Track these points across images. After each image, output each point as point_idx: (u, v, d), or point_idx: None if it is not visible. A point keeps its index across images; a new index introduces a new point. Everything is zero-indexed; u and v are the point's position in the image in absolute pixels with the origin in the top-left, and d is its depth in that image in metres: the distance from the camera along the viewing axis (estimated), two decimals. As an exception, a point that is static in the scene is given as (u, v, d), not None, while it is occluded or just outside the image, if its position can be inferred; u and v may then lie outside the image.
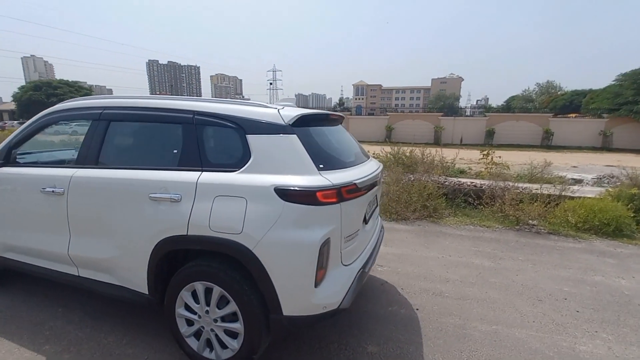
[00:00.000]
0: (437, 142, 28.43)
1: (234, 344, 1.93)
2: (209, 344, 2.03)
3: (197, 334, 2.06)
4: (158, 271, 2.05)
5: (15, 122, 38.32)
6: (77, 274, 2.37)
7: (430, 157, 8.05)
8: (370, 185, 2.21)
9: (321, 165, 1.87)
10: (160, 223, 1.97)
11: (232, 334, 1.95)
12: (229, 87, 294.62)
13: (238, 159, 1.92)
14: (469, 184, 6.43)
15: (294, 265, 1.75)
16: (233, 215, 1.80)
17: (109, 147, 2.29)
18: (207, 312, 1.97)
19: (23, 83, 45.83)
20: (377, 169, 2.47)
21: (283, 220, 1.74)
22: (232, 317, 1.92)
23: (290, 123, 1.93)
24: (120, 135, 2.32)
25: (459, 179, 6.94)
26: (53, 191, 2.29)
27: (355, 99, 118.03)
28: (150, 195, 2.00)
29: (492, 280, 3.32)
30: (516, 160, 11.77)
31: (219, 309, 1.93)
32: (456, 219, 5.33)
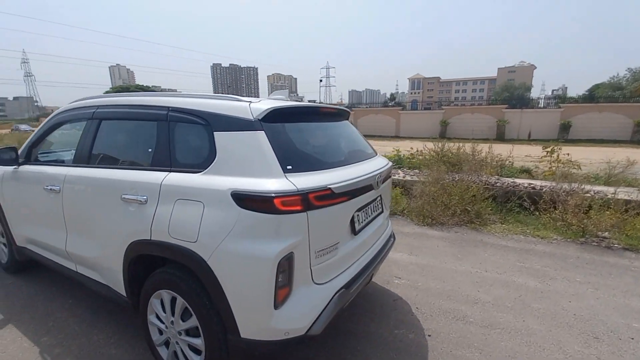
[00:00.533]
0: (500, 138, 25.85)
1: (198, 361, 1.77)
2: (176, 356, 1.89)
3: (167, 344, 1.95)
4: (132, 275, 1.97)
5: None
6: (75, 270, 2.43)
7: (482, 154, 7.21)
8: (361, 189, 1.87)
9: (289, 167, 1.60)
10: (130, 225, 1.88)
11: (196, 350, 1.78)
12: (284, 85, 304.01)
13: (204, 159, 1.74)
14: (525, 185, 5.56)
15: (249, 282, 1.52)
16: (190, 221, 1.63)
17: (98, 146, 2.28)
18: (172, 322, 1.84)
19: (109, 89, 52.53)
20: (376, 169, 2.12)
21: (238, 229, 1.52)
22: (195, 332, 1.76)
23: (260, 118, 1.69)
24: (107, 134, 2.30)
25: (515, 180, 6.05)
26: (51, 189, 2.36)
27: (411, 93, 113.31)
28: (122, 196, 1.92)
29: (535, 306, 2.72)
30: (595, 157, 10.05)
31: (183, 321, 1.78)
32: (504, 227, 4.60)
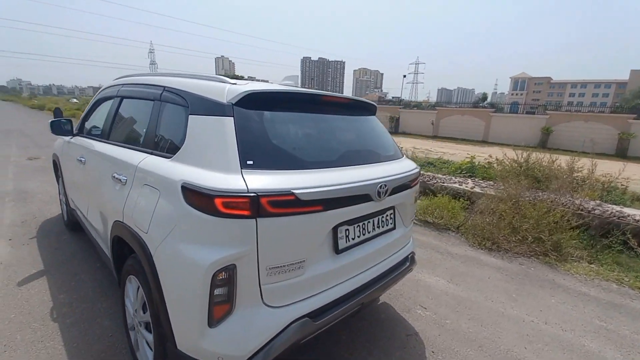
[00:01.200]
0: (620, 154, 21.10)
1: (150, 358, 1.65)
2: (138, 345, 1.82)
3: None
4: (116, 254, 1.96)
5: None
6: (94, 237, 2.59)
7: (584, 172, 5.83)
8: (348, 199, 1.50)
9: (250, 162, 1.33)
10: (113, 204, 1.85)
11: (150, 345, 1.67)
12: (369, 80, 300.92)
13: (176, 144, 1.58)
14: (638, 218, 4.27)
15: (183, 289, 1.31)
16: (146, 209, 1.49)
17: (115, 123, 2.34)
18: (136, 311, 1.76)
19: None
20: (382, 176, 1.70)
21: (181, 226, 1.32)
22: (149, 327, 1.64)
23: (233, 102, 1.44)
24: (122, 111, 2.34)
25: (622, 209, 4.71)
26: (80, 160, 2.53)
27: (512, 94, 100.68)
28: (112, 174, 1.91)
29: (607, 391, 1.95)
30: None
31: (143, 312, 1.68)
32: (591, 268, 3.57)
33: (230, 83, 1.58)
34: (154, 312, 1.47)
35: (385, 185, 1.69)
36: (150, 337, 1.62)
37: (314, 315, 1.46)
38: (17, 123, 17.08)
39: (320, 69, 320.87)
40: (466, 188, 5.76)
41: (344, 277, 1.62)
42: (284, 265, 1.36)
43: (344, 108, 1.95)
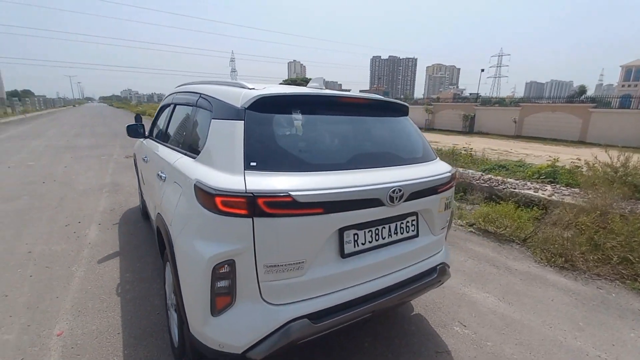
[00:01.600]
0: None
1: (176, 337, 1.84)
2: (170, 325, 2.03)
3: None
4: (160, 243, 2.22)
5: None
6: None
7: None
8: (353, 203, 1.46)
9: (253, 164, 1.39)
10: (156, 198, 2.11)
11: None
12: (444, 77, 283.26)
13: (201, 146, 1.73)
14: None
15: (193, 279, 1.43)
16: (172, 203, 1.67)
17: (168, 127, 2.66)
18: (169, 294, 1.97)
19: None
20: (397, 180, 1.61)
21: (192, 222, 1.44)
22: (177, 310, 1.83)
23: (246, 106, 1.53)
24: (174, 117, 2.63)
25: None
26: (144, 159, 2.93)
27: (624, 85, 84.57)
28: (157, 172, 2.17)
29: None
30: None
31: (173, 296, 1.88)
32: (702, 302, 2.83)
33: (248, 88, 1.67)
34: (176, 297, 1.64)
35: (400, 190, 1.59)
36: (177, 319, 1.81)
37: (315, 317, 1.46)
38: (123, 126, 20.37)
39: (390, 68, 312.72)
40: (542, 195, 5.08)
41: (351, 282, 1.58)
42: (282, 265, 1.39)
43: (366, 109, 1.89)
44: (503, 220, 4.39)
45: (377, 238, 1.64)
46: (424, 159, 1.95)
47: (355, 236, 1.56)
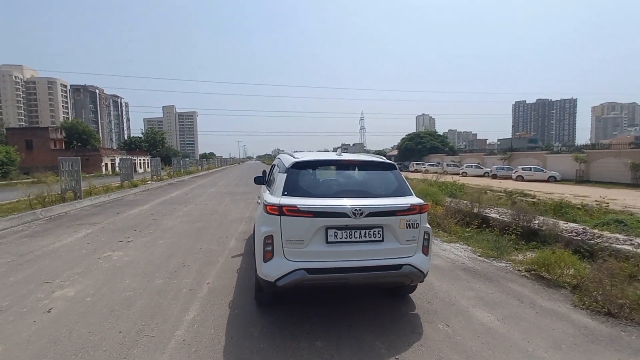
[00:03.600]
0: None
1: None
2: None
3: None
4: None
5: (395, 164, 54.55)
6: None
7: None
8: (329, 213, 2.86)
9: (285, 192, 3.02)
10: (257, 213, 3.98)
11: (256, 280, 3.52)
12: (619, 117, 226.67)
13: (272, 184, 3.50)
14: None
15: (257, 244, 3.07)
16: (258, 211, 3.45)
17: (269, 176, 4.63)
18: (255, 264, 3.68)
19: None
20: (362, 204, 2.90)
21: (261, 217, 3.14)
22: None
23: (289, 167, 3.23)
24: (272, 171, 4.58)
25: None
26: (258, 197, 4.99)
27: None
28: (258, 200, 4.08)
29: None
30: None
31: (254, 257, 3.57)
32: None
33: (294, 157, 3.37)
34: (254, 256, 3.32)
35: (360, 210, 2.87)
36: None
37: (310, 272, 2.83)
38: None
39: (539, 112, 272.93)
40: (620, 246, 4.76)
41: (332, 258, 2.89)
42: (293, 240, 2.86)
43: (358, 165, 3.30)
44: (564, 268, 4.41)
45: (350, 237, 2.92)
46: (394, 194, 3.14)
47: (335, 233, 2.91)
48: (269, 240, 2.93)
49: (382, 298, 3.75)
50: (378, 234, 2.99)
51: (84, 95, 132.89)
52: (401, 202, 3.07)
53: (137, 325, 3.11)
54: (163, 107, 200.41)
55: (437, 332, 3.07)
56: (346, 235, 2.94)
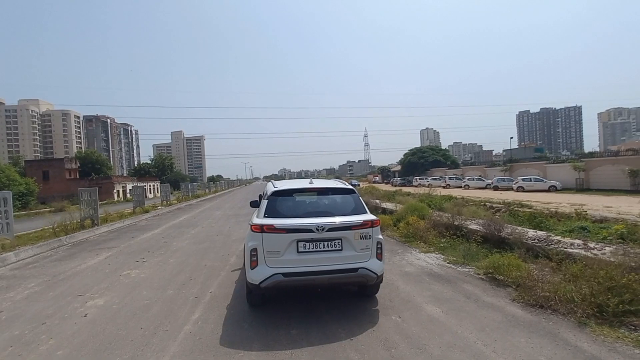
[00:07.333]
0: None
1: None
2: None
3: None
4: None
5: (399, 179, 55.23)
6: None
7: None
8: (299, 229, 3.76)
9: (266, 215, 3.94)
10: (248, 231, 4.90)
11: (248, 286, 4.38)
12: (626, 122, 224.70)
13: (258, 208, 4.43)
14: None
15: (246, 256, 3.97)
16: (248, 230, 4.35)
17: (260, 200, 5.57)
18: (247, 273, 4.57)
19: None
20: (325, 221, 3.79)
21: (248, 235, 4.05)
22: (248, 278, 4.38)
23: (269, 195, 4.16)
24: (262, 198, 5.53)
25: None
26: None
27: None
28: (249, 222, 5.01)
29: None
30: None
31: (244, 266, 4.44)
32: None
33: (275, 187, 4.30)
34: (243, 265, 4.19)
35: (322, 226, 3.76)
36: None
37: (285, 275, 3.69)
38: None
39: (544, 122, 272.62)
40: (586, 254, 5.38)
41: (302, 264, 3.75)
42: (272, 252, 3.75)
43: (324, 191, 4.21)
44: (512, 270, 5.13)
45: (316, 247, 3.79)
46: (351, 213, 4.03)
47: (304, 244, 3.78)
48: (254, 252, 3.82)
49: (350, 298, 4.57)
50: (338, 244, 3.86)
51: (95, 125, 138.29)
52: (356, 219, 3.95)
53: (154, 324, 3.97)
54: (171, 132, 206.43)
55: (390, 321, 3.86)
56: (313, 246, 3.81)
